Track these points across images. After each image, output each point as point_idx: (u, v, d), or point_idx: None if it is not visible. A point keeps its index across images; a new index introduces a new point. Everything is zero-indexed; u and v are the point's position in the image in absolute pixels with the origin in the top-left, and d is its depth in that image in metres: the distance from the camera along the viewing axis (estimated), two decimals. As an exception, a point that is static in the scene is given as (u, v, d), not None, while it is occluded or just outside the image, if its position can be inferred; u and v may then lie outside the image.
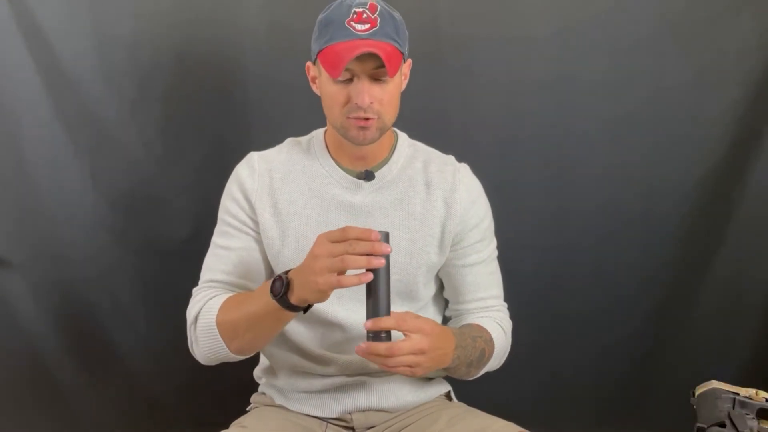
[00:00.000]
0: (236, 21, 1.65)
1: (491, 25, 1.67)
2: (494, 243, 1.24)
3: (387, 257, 0.93)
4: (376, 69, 1.05)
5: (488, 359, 1.15)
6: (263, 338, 1.11)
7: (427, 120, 1.58)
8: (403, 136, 1.23)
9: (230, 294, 1.13)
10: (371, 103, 1.06)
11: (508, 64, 1.68)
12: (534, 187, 1.72)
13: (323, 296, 0.95)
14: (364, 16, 1.05)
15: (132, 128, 1.66)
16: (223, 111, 1.68)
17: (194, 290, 1.17)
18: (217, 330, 1.08)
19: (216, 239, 1.19)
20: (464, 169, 1.21)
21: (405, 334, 0.96)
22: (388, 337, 0.95)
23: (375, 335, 0.95)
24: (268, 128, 1.64)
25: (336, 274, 0.91)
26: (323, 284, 0.92)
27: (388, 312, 0.95)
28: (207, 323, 1.09)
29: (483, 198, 1.21)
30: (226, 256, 1.16)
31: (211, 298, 1.12)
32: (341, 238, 0.92)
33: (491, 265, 1.23)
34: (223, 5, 1.64)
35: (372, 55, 1.03)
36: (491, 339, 1.15)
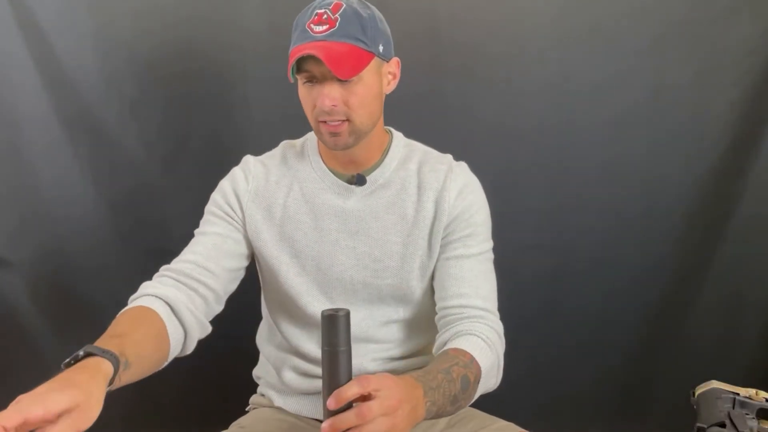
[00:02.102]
0: (236, 21, 1.64)
1: (491, 27, 1.66)
2: (488, 244, 1.17)
3: (349, 351, 0.79)
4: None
5: (476, 383, 1.01)
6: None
7: (426, 121, 1.58)
8: (398, 137, 1.21)
9: (150, 303, 1.05)
10: (334, 105, 1.04)
11: (507, 64, 1.67)
12: (534, 187, 1.72)
13: None
14: (324, 17, 1.03)
15: (132, 128, 1.66)
16: (223, 111, 1.68)
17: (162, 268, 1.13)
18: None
19: (197, 229, 1.18)
20: (459, 167, 1.18)
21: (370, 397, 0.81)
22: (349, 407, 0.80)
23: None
24: (267, 128, 1.64)
25: None
26: None
27: (350, 406, 0.79)
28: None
29: (476, 195, 1.17)
30: (197, 241, 1.14)
31: (141, 296, 1.06)
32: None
33: (482, 264, 1.14)
34: (223, 5, 1.64)
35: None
36: (472, 360, 1.01)
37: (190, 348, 1.10)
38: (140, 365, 0.94)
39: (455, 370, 0.98)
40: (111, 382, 0.85)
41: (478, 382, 1.01)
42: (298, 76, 1.06)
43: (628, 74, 1.67)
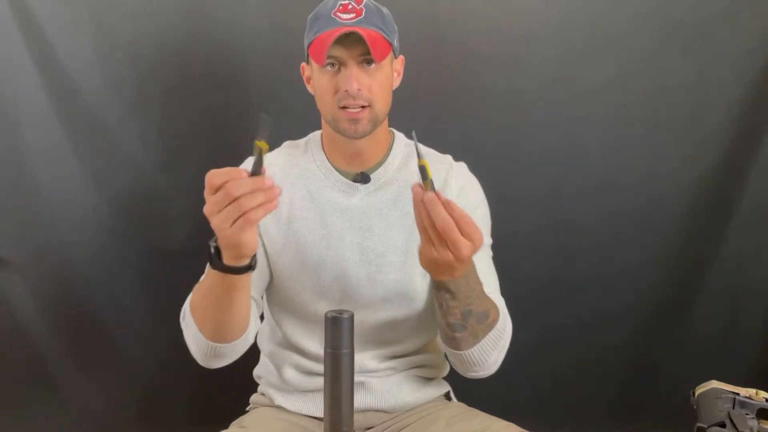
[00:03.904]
0: (237, 21, 1.65)
1: (491, 25, 1.67)
2: (488, 240, 1.20)
3: (351, 353, 0.77)
4: (364, 55, 1.07)
5: (491, 325, 1.02)
6: (225, 312, 1.03)
7: (426, 120, 1.58)
8: (399, 136, 1.23)
9: None
10: (359, 89, 1.07)
11: (508, 64, 1.68)
12: (533, 187, 1.72)
13: (244, 248, 0.90)
14: (350, 6, 1.08)
15: (132, 128, 1.66)
16: (223, 111, 1.68)
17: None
18: (191, 318, 1.06)
19: (212, 240, 1.18)
20: (459, 166, 1.21)
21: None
22: None
23: None
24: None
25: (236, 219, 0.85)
26: (231, 236, 0.87)
27: (352, 405, 0.78)
28: (187, 315, 1.08)
29: (477, 192, 1.20)
30: None
31: None
32: (213, 187, 0.85)
33: (483, 259, 1.16)
34: (224, 5, 1.64)
35: (358, 42, 1.05)
36: (498, 310, 1.04)
37: (251, 340, 1.12)
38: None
39: (485, 300, 1.01)
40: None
41: (491, 330, 1.02)
42: (321, 65, 1.08)
43: (629, 74, 1.68)
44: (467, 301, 0.98)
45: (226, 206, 0.84)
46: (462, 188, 1.17)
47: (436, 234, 0.88)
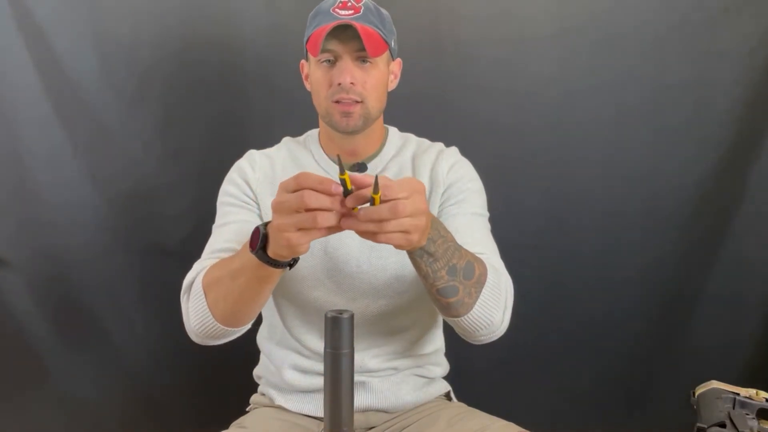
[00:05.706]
0: (236, 21, 1.65)
1: (492, 26, 1.67)
2: (483, 211, 1.19)
3: (351, 353, 0.76)
4: (360, 51, 1.09)
5: (481, 281, 0.99)
6: (245, 301, 1.01)
7: (426, 120, 1.58)
8: (393, 130, 1.26)
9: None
10: (352, 83, 1.09)
11: (508, 64, 1.68)
12: (535, 187, 1.72)
13: (295, 251, 0.87)
14: (349, 4, 1.12)
15: (132, 128, 1.67)
16: (222, 111, 1.68)
17: (194, 264, 1.14)
18: (202, 293, 1.03)
19: (215, 225, 1.18)
20: (450, 149, 1.24)
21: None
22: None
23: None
24: (267, 128, 1.64)
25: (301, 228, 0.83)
26: (291, 239, 0.84)
27: (352, 405, 0.77)
28: (197, 289, 1.05)
29: (468, 169, 1.21)
30: (226, 229, 1.15)
31: (206, 267, 1.08)
32: (297, 186, 0.83)
33: (477, 223, 1.16)
34: (223, 5, 1.64)
35: (354, 37, 1.07)
36: (484, 263, 1.01)
37: (249, 326, 1.10)
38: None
39: (466, 253, 0.98)
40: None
41: (483, 287, 0.99)
42: (316, 57, 1.10)
43: (629, 74, 1.68)
44: (447, 255, 0.94)
45: (298, 213, 0.82)
46: (452, 166, 1.19)
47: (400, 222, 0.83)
